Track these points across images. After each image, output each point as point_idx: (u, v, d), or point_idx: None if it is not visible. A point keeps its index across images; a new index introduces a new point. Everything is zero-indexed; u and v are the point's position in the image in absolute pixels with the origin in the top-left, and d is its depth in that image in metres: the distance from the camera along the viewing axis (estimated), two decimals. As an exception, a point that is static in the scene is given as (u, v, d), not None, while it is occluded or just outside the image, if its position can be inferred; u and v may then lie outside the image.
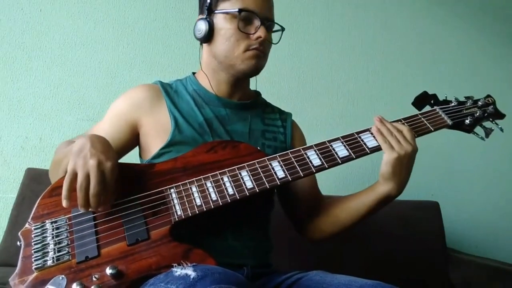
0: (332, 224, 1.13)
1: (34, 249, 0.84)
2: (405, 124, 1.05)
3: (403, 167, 1.00)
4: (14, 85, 1.73)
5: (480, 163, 2.31)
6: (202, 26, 1.10)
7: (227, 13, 1.08)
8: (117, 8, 1.89)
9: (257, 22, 1.08)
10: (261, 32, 1.07)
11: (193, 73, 1.22)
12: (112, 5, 1.89)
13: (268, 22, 1.11)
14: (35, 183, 1.50)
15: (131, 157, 1.16)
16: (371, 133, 1.03)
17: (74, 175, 0.84)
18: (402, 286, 0.91)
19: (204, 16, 1.11)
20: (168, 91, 1.15)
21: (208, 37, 1.11)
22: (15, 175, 1.66)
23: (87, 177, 0.83)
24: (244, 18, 1.07)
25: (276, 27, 1.16)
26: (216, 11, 1.10)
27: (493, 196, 2.30)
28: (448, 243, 1.86)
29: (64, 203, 0.85)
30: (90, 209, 0.86)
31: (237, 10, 1.06)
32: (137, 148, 1.16)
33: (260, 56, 1.09)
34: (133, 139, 1.12)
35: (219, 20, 1.09)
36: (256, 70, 1.11)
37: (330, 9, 2.22)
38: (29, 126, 1.73)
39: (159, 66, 1.90)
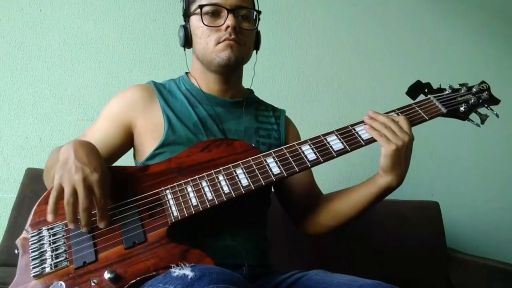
0: (332, 218, 1.12)
1: (31, 256, 0.84)
2: (400, 114, 1.04)
3: (402, 157, 0.98)
4: (14, 85, 1.73)
5: (480, 163, 2.31)
6: (181, 33, 1.15)
7: (194, 13, 1.10)
8: (117, 8, 1.89)
9: (224, 13, 1.07)
10: (228, 21, 1.06)
11: (186, 73, 1.22)
12: (112, 5, 1.89)
13: (237, 9, 1.08)
14: (35, 183, 1.49)
15: (127, 159, 1.16)
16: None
17: (61, 190, 0.83)
18: (402, 286, 0.91)
19: (183, 23, 1.15)
20: (162, 91, 1.14)
21: (187, 42, 1.14)
22: (15, 175, 1.66)
23: (74, 192, 0.82)
24: (208, 12, 1.08)
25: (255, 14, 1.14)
26: (189, 15, 1.13)
27: (493, 196, 2.30)
28: (448, 243, 1.86)
29: (49, 218, 0.83)
30: (82, 226, 0.84)
31: (197, 6, 1.08)
32: (131, 150, 1.16)
33: (232, 45, 1.07)
34: (128, 140, 1.11)
35: (192, 23, 1.12)
36: (231, 60, 1.08)
37: (329, 9, 2.22)
38: (29, 126, 1.73)
39: (159, 66, 1.90)
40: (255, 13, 1.15)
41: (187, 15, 1.15)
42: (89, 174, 0.83)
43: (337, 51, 2.20)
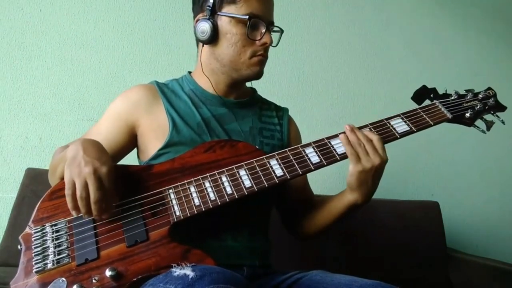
0: (314, 225, 1.16)
1: (34, 252, 0.85)
2: (375, 132, 1.01)
3: (369, 178, 0.98)
4: (14, 85, 1.73)
5: (480, 163, 2.31)
6: (206, 28, 1.07)
7: (233, 17, 1.06)
8: (117, 8, 1.89)
9: (262, 28, 1.07)
10: (266, 38, 1.07)
11: (189, 72, 1.21)
12: (112, 5, 1.89)
13: (272, 26, 1.11)
14: (35, 183, 1.49)
15: (130, 158, 1.16)
16: (370, 129, 1.02)
17: (73, 185, 0.85)
18: (402, 286, 0.91)
19: (207, 17, 1.07)
20: (165, 91, 1.14)
21: (212, 40, 1.08)
22: (15, 175, 1.66)
23: (86, 185, 0.84)
24: (252, 24, 1.06)
25: (275, 28, 1.15)
26: (220, 13, 1.07)
27: (493, 196, 2.30)
28: (448, 243, 1.86)
29: (75, 214, 0.86)
30: (93, 217, 0.86)
31: (246, 17, 1.04)
32: (135, 149, 1.16)
33: (264, 61, 1.11)
34: (131, 140, 1.11)
35: (224, 23, 1.07)
36: (260, 75, 1.12)
37: (329, 9, 2.22)
38: (29, 126, 1.73)
39: (159, 66, 1.90)
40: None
41: (215, 11, 1.07)
42: (98, 167, 0.85)
43: (337, 51, 2.20)
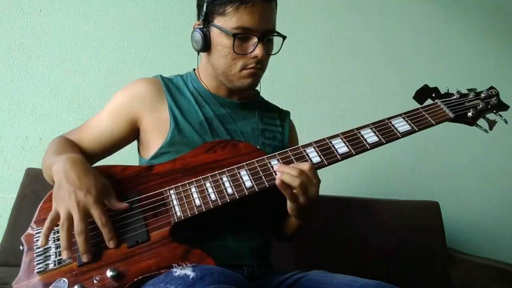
0: (286, 229, 1.18)
1: (36, 253, 0.85)
2: (302, 161, 0.96)
3: (310, 205, 0.94)
4: (14, 85, 1.73)
5: (480, 163, 2.31)
6: (198, 38, 1.07)
7: (223, 30, 1.03)
8: (117, 8, 1.89)
9: (254, 40, 1.03)
10: (258, 51, 1.03)
11: (194, 69, 1.20)
12: (112, 5, 1.88)
13: (267, 37, 1.06)
14: (35, 183, 1.49)
15: (130, 155, 1.16)
16: (372, 129, 1.01)
17: (57, 215, 0.85)
18: (402, 286, 0.91)
19: (201, 26, 1.07)
20: (169, 86, 1.13)
21: (205, 49, 1.08)
22: (15, 175, 1.66)
23: (70, 216, 0.83)
24: (239, 38, 1.02)
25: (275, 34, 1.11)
26: (212, 24, 1.05)
27: (493, 196, 2.30)
28: (448, 243, 1.87)
29: (40, 241, 0.84)
30: (81, 253, 0.83)
31: (231, 33, 1.01)
32: (135, 146, 1.16)
33: (257, 73, 1.07)
34: (132, 134, 1.11)
35: (215, 35, 1.05)
36: (253, 86, 1.10)
37: (330, 9, 2.22)
38: (29, 126, 1.72)
39: (159, 66, 1.90)
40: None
41: (208, 20, 1.06)
42: (82, 198, 0.84)
43: (338, 51, 2.20)
